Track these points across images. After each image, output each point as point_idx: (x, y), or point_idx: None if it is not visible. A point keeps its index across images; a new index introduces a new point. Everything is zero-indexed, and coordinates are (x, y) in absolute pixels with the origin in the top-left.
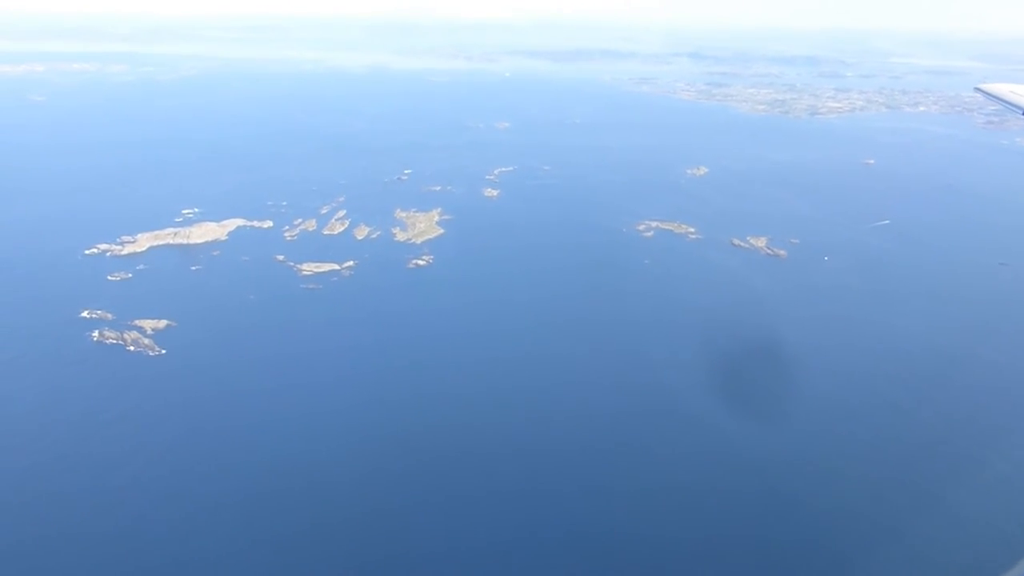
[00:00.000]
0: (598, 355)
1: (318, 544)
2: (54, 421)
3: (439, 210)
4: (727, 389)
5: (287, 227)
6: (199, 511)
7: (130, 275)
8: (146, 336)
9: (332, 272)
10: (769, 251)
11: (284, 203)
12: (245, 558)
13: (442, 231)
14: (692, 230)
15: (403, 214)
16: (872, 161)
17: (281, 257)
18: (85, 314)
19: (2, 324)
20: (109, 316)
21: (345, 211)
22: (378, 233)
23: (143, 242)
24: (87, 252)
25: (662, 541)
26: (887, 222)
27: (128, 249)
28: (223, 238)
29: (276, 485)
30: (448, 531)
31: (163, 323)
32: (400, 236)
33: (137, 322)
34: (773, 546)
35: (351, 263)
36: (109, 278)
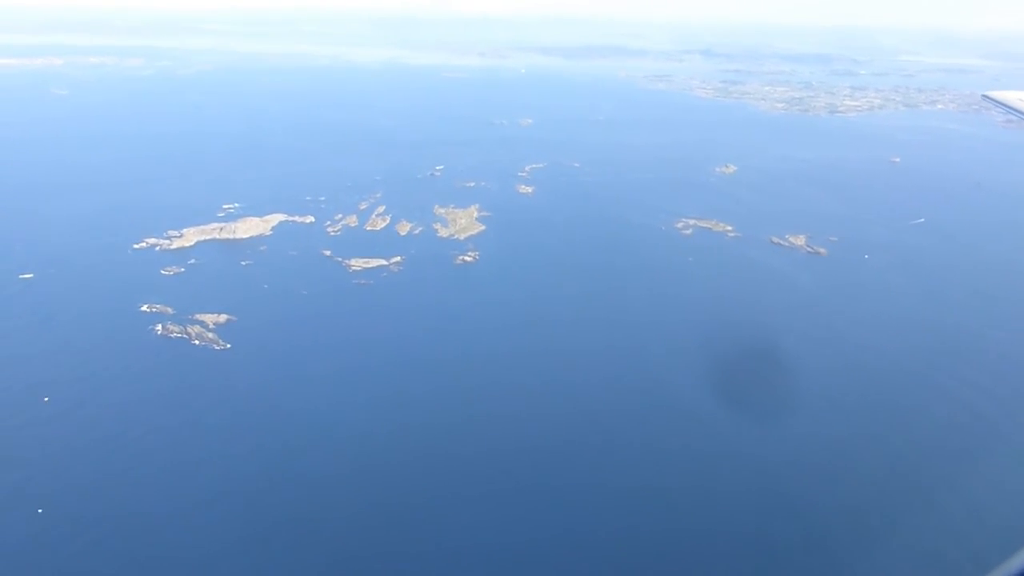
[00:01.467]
0: (652, 351)
1: (391, 527)
2: (140, 415)
3: (477, 206)
4: (794, 389)
5: (329, 222)
6: (300, 500)
7: (182, 269)
8: (209, 330)
9: (381, 268)
10: (810, 249)
11: (322, 198)
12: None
13: (483, 228)
14: (730, 228)
15: (442, 210)
16: (898, 159)
17: (328, 252)
18: (145, 308)
19: (68, 319)
20: (169, 310)
21: (384, 207)
22: (420, 229)
23: (190, 237)
24: (136, 246)
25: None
26: (922, 220)
27: (176, 244)
28: (267, 233)
29: (357, 473)
30: (493, 526)
31: (223, 317)
32: (443, 232)
33: (198, 316)
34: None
35: (398, 259)
36: (162, 272)
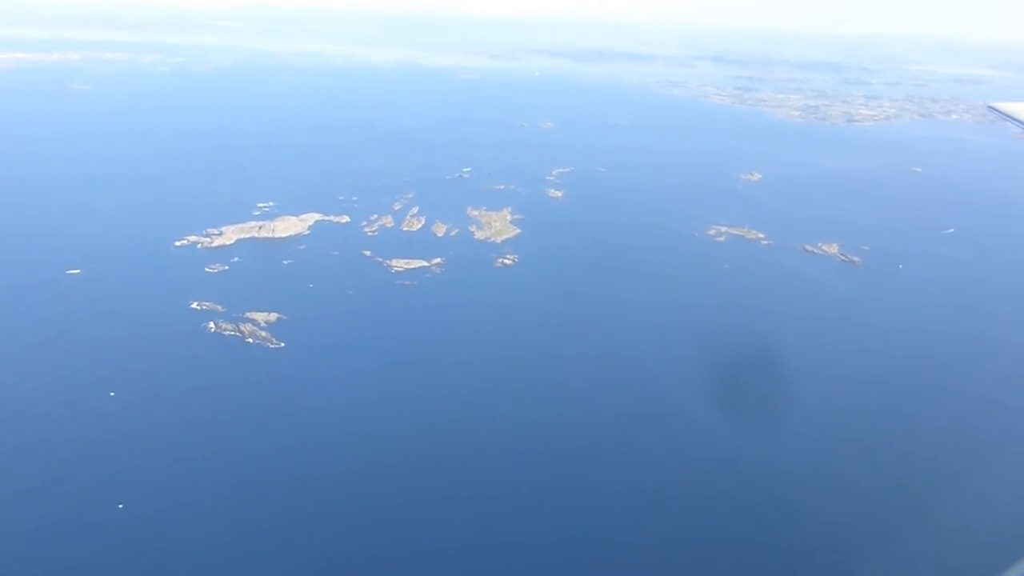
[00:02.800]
0: (698, 358)
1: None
2: (206, 412)
3: (509, 209)
4: (849, 400)
5: (364, 222)
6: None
7: (226, 267)
8: (261, 328)
9: (423, 269)
10: (843, 258)
11: (355, 198)
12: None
13: (518, 231)
14: (762, 236)
15: (475, 212)
16: (919, 169)
17: (368, 252)
18: (195, 305)
19: (122, 315)
20: (219, 308)
21: (417, 208)
22: (456, 231)
23: (230, 235)
24: (178, 243)
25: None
26: (952, 231)
27: (217, 242)
28: (305, 232)
29: (422, 468)
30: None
31: (273, 316)
32: (479, 235)
33: (248, 314)
34: None
35: (439, 260)
36: (207, 270)
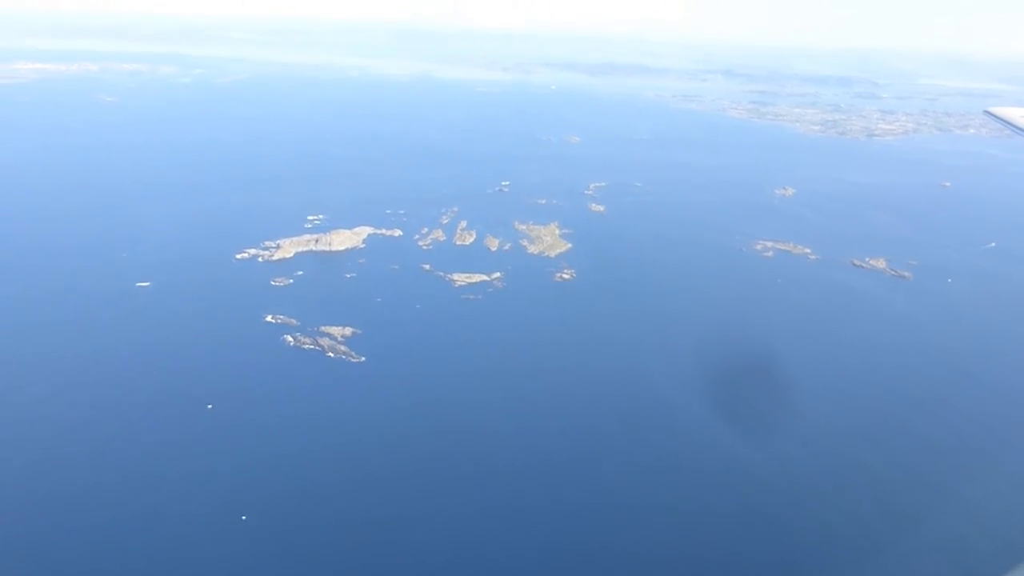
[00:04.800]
0: (771, 372)
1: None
2: (304, 426)
3: (556, 224)
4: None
5: (417, 236)
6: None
7: (291, 281)
8: (339, 343)
9: (484, 283)
10: (893, 272)
11: (402, 211)
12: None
13: (570, 245)
14: (808, 250)
15: (523, 226)
16: (948, 184)
17: (427, 267)
18: (269, 319)
19: (202, 331)
20: (293, 322)
21: (466, 222)
22: (509, 245)
23: (288, 248)
24: (238, 256)
25: None
26: (993, 245)
27: (277, 255)
28: (361, 246)
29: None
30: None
31: (348, 330)
32: (532, 249)
33: (323, 328)
34: None
35: (498, 274)
36: (273, 283)
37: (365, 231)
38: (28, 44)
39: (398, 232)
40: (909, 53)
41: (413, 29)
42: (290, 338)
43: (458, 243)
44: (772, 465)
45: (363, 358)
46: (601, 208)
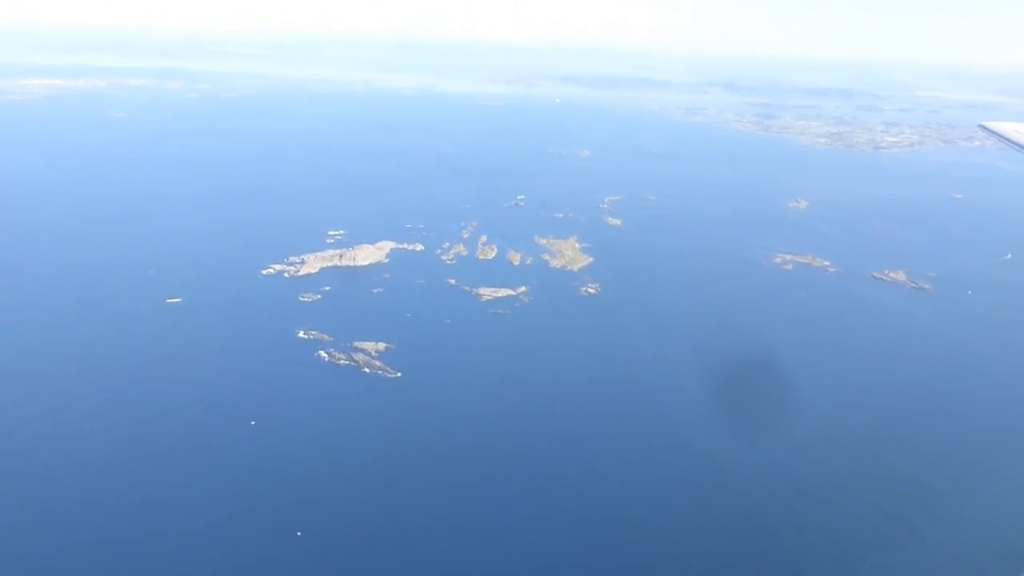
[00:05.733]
0: (806, 383)
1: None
2: (352, 444)
3: (575, 238)
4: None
5: (439, 250)
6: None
7: (319, 296)
8: (373, 358)
9: (510, 297)
10: (913, 284)
11: (421, 226)
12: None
13: (591, 260)
14: (827, 263)
15: (543, 240)
16: (959, 196)
17: (453, 281)
18: (302, 334)
19: (237, 348)
20: (326, 337)
21: (486, 236)
22: (531, 259)
23: (313, 263)
24: (264, 272)
25: None
26: (1010, 256)
27: (303, 270)
28: (384, 261)
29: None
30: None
31: (381, 345)
32: (554, 263)
33: (356, 344)
34: None
35: (524, 289)
36: (301, 299)
37: (387, 246)
38: (32, 59)
39: (420, 247)
40: (906, 65)
41: (413, 42)
42: (324, 354)
43: (480, 257)
44: (816, 476)
45: (399, 373)
46: (618, 222)
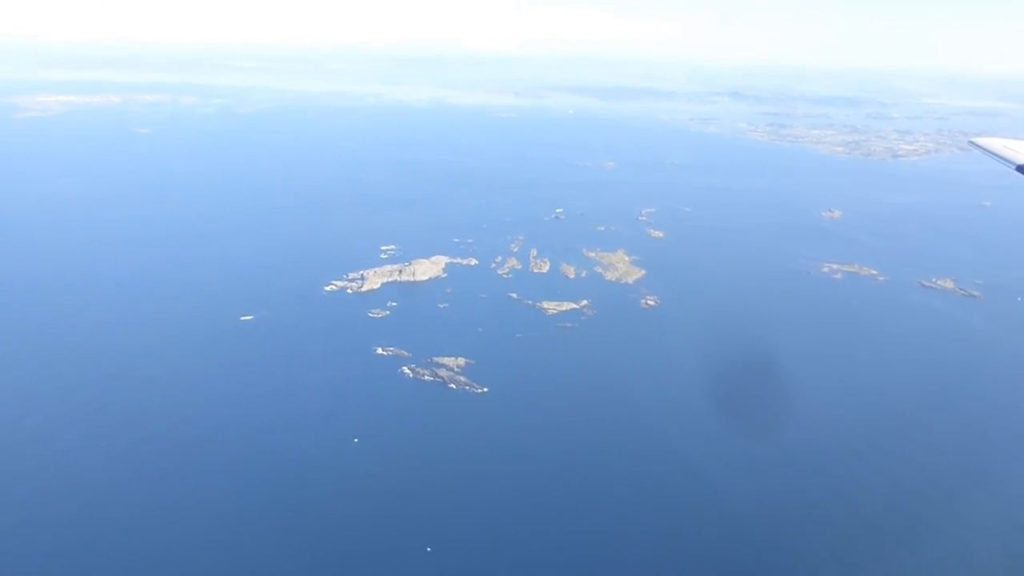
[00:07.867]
0: (878, 403)
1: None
2: (458, 459)
3: (623, 250)
4: None
5: (493, 264)
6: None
7: (387, 312)
8: (457, 374)
9: (574, 311)
10: (963, 292)
11: (470, 240)
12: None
13: (644, 272)
14: (875, 272)
15: (591, 253)
16: (988, 203)
17: (514, 295)
18: (380, 351)
19: (322, 366)
20: (405, 353)
21: (535, 249)
22: (585, 272)
23: (374, 279)
24: (327, 288)
25: None
26: None
27: (365, 287)
28: (442, 275)
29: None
30: None
31: (462, 360)
32: (608, 276)
33: (436, 359)
34: None
35: (586, 302)
36: (370, 315)
37: (443, 260)
38: (45, 75)
39: (474, 261)
40: (905, 72)
41: (412, 55)
42: (407, 370)
43: (535, 271)
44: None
45: (485, 388)
46: (660, 234)
